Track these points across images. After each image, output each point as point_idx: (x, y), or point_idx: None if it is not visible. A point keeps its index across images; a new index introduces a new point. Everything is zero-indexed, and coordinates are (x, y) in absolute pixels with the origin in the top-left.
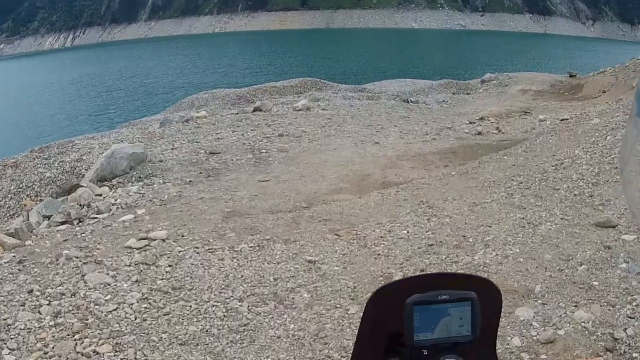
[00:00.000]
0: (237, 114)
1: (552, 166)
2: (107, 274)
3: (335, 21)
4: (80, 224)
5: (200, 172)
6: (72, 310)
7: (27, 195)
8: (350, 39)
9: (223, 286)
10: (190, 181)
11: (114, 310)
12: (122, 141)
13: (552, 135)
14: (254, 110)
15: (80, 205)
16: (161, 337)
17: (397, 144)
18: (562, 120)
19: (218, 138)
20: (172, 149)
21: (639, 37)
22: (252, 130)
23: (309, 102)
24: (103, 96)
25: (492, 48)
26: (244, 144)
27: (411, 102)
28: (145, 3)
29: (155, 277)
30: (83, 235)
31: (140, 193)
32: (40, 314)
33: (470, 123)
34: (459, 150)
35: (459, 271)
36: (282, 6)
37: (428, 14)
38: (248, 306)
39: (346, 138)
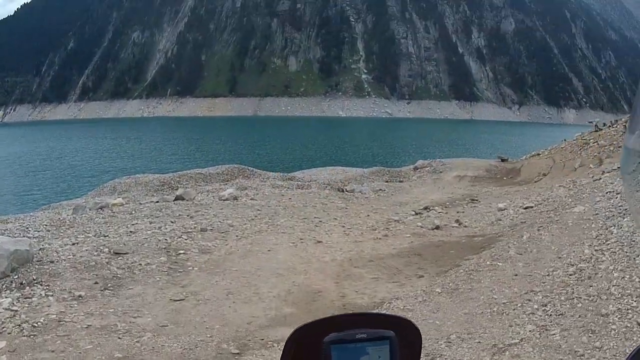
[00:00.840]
0: (157, 202)
1: (570, 275)
2: None
3: (263, 108)
4: None
5: (96, 282)
6: None
7: None
8: (278, 127)
9: None
10: (80, 296)
11: None
12: (14, 232)
13: (539, 230)
14: (175, 199)
15: None
16: None
17: (343, 243)
18: (526, 208)
19: (131, 232)
20: (73, 243)
21: (565, 119)
22: (171, 222)
23: (235, 191)
24: (29, 176)
25: (421, 135)
26: (159, 240)
27: (346, 191)
28: (75, 84)
29: None
30: None
31: (12, 310)
32: None
33: (417, 214)
34: (423, 251)
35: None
36: (210, 92)
37: (355, 102)
38: None
39: (281, 234)
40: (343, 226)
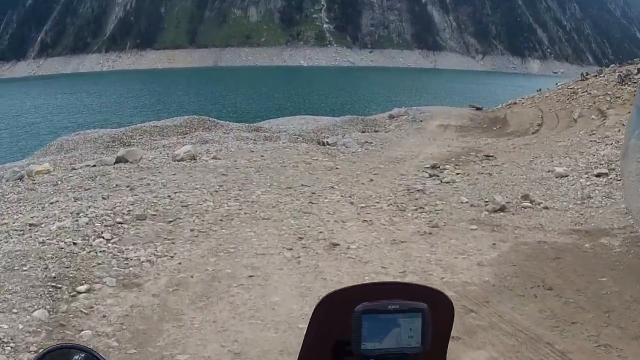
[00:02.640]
0: (94, 166)
1: None
2: None
3: (224, 59)
4: None
5: None
6: None
7: None
8: (240, 77)
9: None
10: None
11: None
12: None
13: None
14: (116, 161)
15: None
16: None
17: (375, 247)
18: (599, 175)
19: (31, 225)
20: None
21: (530, 69)
22: (102, 199)
23: (194, 148)
24: None
25: (387, 83)
26: (62, 245)
27: (328, 144)
28: (34, 41)
29: None
30: None
31: None
32: None
33: (432, 176)
34: (545, 276)
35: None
36: (170, 44)
37: (317, 51)
38: None
39: (263, 224)
40: (351, 202)
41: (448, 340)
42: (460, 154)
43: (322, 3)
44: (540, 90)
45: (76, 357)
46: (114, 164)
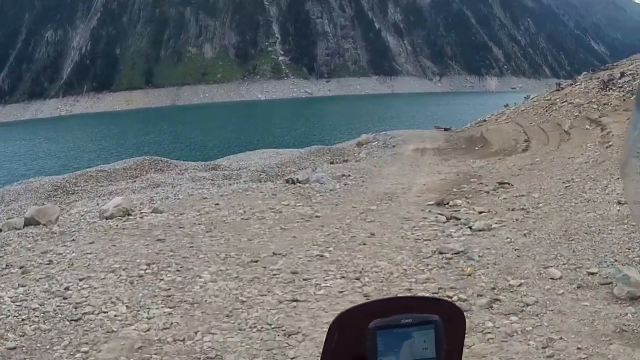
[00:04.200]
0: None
1: None
2: None
3: (181, 97)
4: None
5: None
6: None
7: None
8: (197, 114)
9: None
10: None
11: None
12: None
13: None
14: (25, 224)
15: None
16: None
17: None
18: None
19: None
20: None
21: (487, 87)
22: None
23: (128, 201)
24: None
25: (346, 111)
26: None
27: (299, 182)
28: None
29: None
30: None
31: None
32: None
33: (449, 219)
34: None
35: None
36: (127, 85)
37: (273, 84)
38: None
39: None
40: (363, 294)
41: (462, 351)
42: (458, 182)
43: (277, 35)
44: (507, 105)
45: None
46: (23, 227)
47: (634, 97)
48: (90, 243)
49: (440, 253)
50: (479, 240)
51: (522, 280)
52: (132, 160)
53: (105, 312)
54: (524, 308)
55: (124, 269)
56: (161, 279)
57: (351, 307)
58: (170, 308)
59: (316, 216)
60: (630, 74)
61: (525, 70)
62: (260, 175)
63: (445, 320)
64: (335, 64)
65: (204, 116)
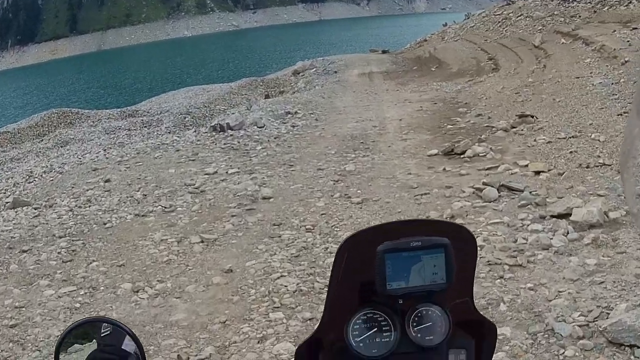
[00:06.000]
0: None
1: None
2: None
3: (107, 42)
4: None
5: None
6: None
7: None
8: (123, 58)
9: None
10: None
11: None
12: None
13: None
14: None
15: None
16: None
17: None
18: None
19: None
20: None
21: (416, 9)
22: None
23: None
24: None
25: (276, 41)
26: None
27: (230, 129)
28: None
29: None
30: None
31: None
32: None
33: (499, 193)
34: None
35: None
36: (51, 35)
37: (199, 19)
38: None
39: None
40: None
41: (473, 276)
42: (444, 113)
43: None
44: (446, 24)
45: (104, 330)
46: None
47: (606, 8)
48: None
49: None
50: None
51: None
52: (39, 116)
53: None
54: None
55: None
56: None
57: (358, 231)
58: None
59: (263, 197)
60: None
61: None
62: (185, 118)
63: (455, 244)
64: None
65: (130, 59)
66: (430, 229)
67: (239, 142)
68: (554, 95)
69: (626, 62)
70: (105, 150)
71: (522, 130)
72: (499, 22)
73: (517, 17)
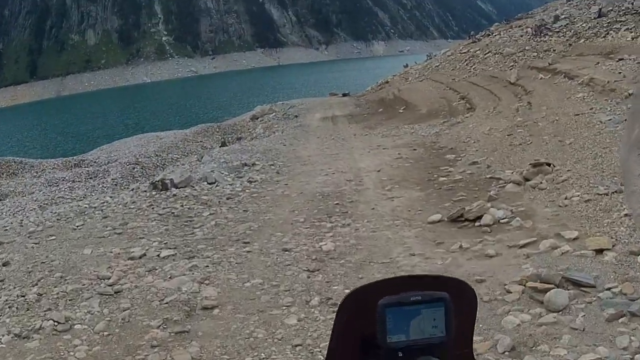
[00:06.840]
0: None
1: None
2: None
3: (66, 88)
4: None
5: None
6: None
7: None
8: (80, 105)
9: None
10: None
11: None
12: None
13: None
14: None
15: None
16: None
17: None
18: None
19: None
20: None
21: (375, 52)
22: None
23: None
24: None
25: (234, 86)
26: None
27: (175, 187)
28: None
29: None
30: None
31: None
32: None
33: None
34: None
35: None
36: (11, 80)
37: (158, 65)
38: None
39: None
40: None
41: (473, 329)
42: (429, 161)
43: (159, 16)
44: (407, 65)
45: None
46: None
47: (582, 40)
48: None
49: None
50: None
51: None
52: None
53: None
54: None
55: None
56: None
57: (360, 286)
58: None
59: (204, 307)
60: (564, 18)
61: (412, 33)
62: (134, 168)
63: (455, 298)
64: (220, 40)
65: (89, 105)
66: (430, 283)
67: (182, 206)
68: (558, 137)
69: (630, 95)
70: (40, 206)
71: (542, 183)
72: (466, 60)
73: (485, 54)
